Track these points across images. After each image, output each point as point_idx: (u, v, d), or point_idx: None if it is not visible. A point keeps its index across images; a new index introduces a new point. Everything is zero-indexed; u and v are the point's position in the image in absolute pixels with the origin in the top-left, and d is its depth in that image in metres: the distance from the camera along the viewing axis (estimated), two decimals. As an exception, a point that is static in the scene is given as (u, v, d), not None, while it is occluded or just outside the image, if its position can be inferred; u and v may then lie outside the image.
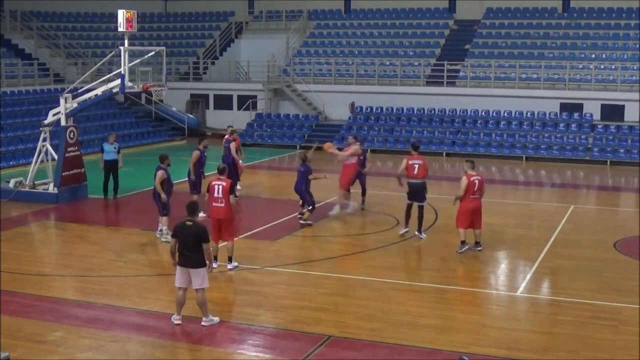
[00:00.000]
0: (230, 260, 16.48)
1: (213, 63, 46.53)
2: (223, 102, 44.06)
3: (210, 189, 16.32)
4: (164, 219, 18.74)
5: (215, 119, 43.51)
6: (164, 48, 24.91)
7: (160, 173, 18.45)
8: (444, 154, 37.55)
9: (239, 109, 43.00)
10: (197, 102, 44.43)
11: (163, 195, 18.40)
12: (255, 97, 43.19)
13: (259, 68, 44.16)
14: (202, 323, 13.04)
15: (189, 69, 45.64)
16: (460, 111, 40.25)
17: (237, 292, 15.29)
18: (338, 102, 41.84)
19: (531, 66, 41.10)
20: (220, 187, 16.11)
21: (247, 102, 42.74)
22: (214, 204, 16.17)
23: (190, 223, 12.90)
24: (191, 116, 43.03)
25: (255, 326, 13.15)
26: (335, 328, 12.97)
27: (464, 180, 17.85)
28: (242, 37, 49.12)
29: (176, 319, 13.09)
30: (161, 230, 18.90)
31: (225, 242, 16.54)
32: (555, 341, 12.56)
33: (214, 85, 44.78)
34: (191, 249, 12.78)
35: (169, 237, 14.49)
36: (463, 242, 17.96)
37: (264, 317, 13.67)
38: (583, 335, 12.81)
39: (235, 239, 16.99)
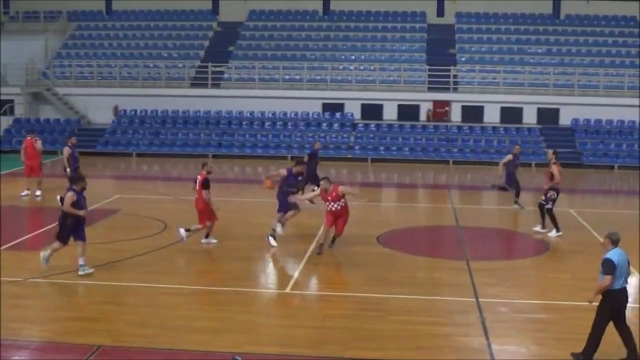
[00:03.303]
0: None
1: (-34, 66, 43.94)
2: (-23, 107, 41.71)
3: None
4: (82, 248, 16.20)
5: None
6: None
7: (69, 195, 15.86)
8: (211, 155, 37.54)
9: (-6, 114, 40.88)
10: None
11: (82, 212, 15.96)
12: (12, 101, 41.17)
13: (17, 71, 42.09)
14: None
15: (-62, 72, 42.83)
16: (225, 113, 40.42)
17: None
18: (101, 105, 40.80)
19: (294, 67, 41.96)
20: (197, 180, 18.34)
21: (3, 107, 40.66)
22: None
23: None
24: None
25: (20, 341, 12.47)
26: (107, 337, 12.54)
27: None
28: (-3, 38, 46.74)
29: None
30: (82, 265, 16.12)
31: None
32: (327, 335, 12.82)
33: (-34, 89, 42.23)
34: None
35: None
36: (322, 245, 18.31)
37: (29, 331, 12.97)
38: (353, 327, 13.16)
39: (207, 223, 18.59)
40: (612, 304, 11.58)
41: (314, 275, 16.99)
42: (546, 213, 21.07)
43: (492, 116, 40.11)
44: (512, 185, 25.05)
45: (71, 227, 15.89)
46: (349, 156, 37.58)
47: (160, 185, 28.87)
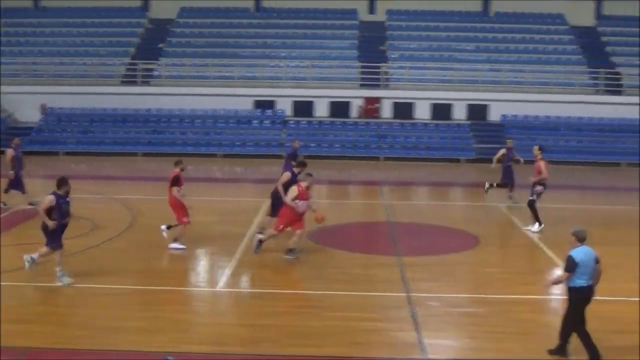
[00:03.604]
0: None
1: None
2: None
3: None
4: (45, 250, 15.49)
5: None
6: None
7: (49, 198, 15.07)
8: (141, 153, 37.12)
9: None
10: None
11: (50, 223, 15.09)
12: None
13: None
14: None
15: None
16: (155, 110, 40.01)
17: None
18: (28, 103, 39.94)
19: (225, 65, 41.72)
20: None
21: None
22: None
23: None
24: None
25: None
26: (36, 339, 12.25)
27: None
28: None
29: None
30: (32, 258, 15.48)
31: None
32: (261, 333, 12.73)
33: None
34: None
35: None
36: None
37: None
38: (288, 324, 13.11)
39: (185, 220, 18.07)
40: (578, 300, 11.58)
41: (248, 273, 16.88)
42: (528, 206, 21.27)
43: (422, 112, 40.47)
44: (507, 179, 25.14)
45: (59, 231, 15.17)
46: (281, 153, 37.50)
47: (90, 184, 28.35)
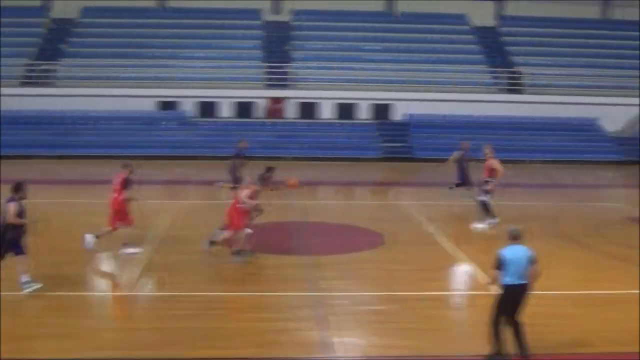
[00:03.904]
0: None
1: None
2: None
3: None
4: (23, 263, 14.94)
5: None
6: None
7: (12, 205, 14.48)
8: (42, 156, 36.36)
9: None
10: None
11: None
12: None
13: None
14: None
15: None
16: (57, 112, 39.21)
17: None
18: None
19: (129, 65, 41.19)
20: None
21: None
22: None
23: None
24: None
25: None
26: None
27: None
28: None
29: None
30: (28, 282, 14.94)
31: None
32: (169, 336, 12.62)
33: None
34: None
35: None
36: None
37: None
38: (196, 326, 13.04)
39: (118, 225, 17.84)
40: (505, 298, 11.58)
41: (156, 276, 16.71)
42: (480, 204, 21.69)
43: (328, 112, 40.72)
44: (464, 180, 25.23)
45: (10, 241, 14.57)
46: (185, 154, 37.24)
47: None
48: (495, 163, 21.54)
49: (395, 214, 24.13)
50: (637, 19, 46.13)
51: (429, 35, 44.97)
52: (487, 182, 21.64)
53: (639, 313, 13.74)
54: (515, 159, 38.00)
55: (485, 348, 11.79)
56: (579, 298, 15.16)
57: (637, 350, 12.19)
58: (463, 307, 15.50)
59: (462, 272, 17.73)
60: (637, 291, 15.42)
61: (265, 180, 18.25)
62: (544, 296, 15.08)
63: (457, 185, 25.62)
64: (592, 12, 47.41)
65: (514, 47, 45.10)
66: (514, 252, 11.52)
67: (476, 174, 23.72)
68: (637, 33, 45.74)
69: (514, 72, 42.74)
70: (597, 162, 38.62)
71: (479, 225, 21.81)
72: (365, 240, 20.46)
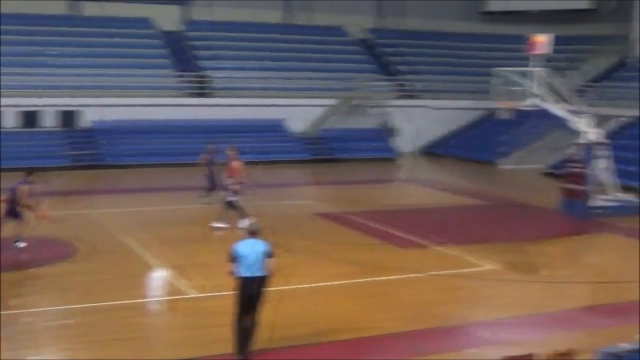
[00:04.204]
0: None
1: None
2: None
3: None
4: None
5: None
6: None
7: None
8: None
9: None
10: None
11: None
12: None
13: None
14: None
15: None
16: None
17: None
18: None
19: None
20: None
21: None
22: None
23: None
24: None
25: None
26: None
27: None
28: None
29: None
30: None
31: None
32: None
33: None
34: None
35: None
36: None
37: None
38: None
39: None
40: (241, 291, 11.72)
41: None
42: (229, 205, 22.04)
43: (9, 121, 38.43)
44: (209, 182, 25.76)
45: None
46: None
47: None
48: (237, 165, 22.40)
49: (86, 223, 23.18)
50: (317, 23, 48.61)
51: (116, 40, 43.83)
52: (233, 183, 22.24)
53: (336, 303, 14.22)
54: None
55: (187, 350, 11.66)
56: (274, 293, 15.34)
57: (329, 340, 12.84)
58: (165, 312, 15.25)
59: (161, 277, 17.44)
60: (330, 283, 16.10)
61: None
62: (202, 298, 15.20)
63: (209, 190, 25.96)
64: (275, 17, 48.83)
65: (201, 51, 45.30)
66: (248, 246, 11.81)
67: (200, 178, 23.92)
68: (318, 37, 48.10)
69: (202, 76, 42.89)
70: (286, 162, 39.72)
71: (218, 225, 22.16)
72: (56, 252, 19.33)
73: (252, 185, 23.14)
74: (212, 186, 25.88)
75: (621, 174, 29.85)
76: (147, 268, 17.98)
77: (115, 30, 44.42)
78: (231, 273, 11.84)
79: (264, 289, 11.87)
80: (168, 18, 46.45)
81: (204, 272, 17.32)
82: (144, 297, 16.12)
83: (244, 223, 21.91)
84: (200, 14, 47.07)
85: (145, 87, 40.86)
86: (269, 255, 11.87)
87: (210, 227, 22.23)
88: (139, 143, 38.47)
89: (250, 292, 11.75)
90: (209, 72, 43.47)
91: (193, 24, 47.03)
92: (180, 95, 41.78)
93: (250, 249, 11.81)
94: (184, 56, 44.83)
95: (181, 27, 47.07)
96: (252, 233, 12.03)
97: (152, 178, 34.12)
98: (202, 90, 42.42)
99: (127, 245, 20.13)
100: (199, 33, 46.48)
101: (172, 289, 16.43)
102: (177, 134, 39.79)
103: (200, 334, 13.09)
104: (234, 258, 11.74)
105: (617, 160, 30.43)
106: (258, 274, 11.72)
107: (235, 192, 22.25)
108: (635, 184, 30.56)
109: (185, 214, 25.33)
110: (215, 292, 15.21)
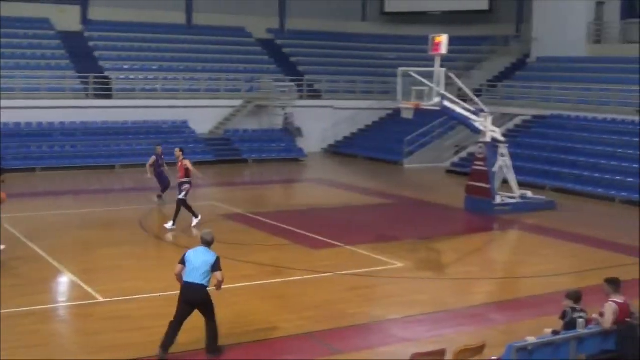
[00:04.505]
0: None
1: None
2: None
3: None
4: None
5: None
6: None
7: None
8: None
9: None
10: None
11: None
12: None
13: None
14: None
15: None
16: None
17: None
18: None
19: None
20: None
21: None
22: None
23: None
24: None
25: None
26: None
27: None
28: None
29: None
30: None
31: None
32: None
33: None
34: None
35: None
36: None
37: None
38: None
39: None
40: (181, 295, 11.88)
41: None
42: (181, 205, 22.55)
43: None
44: (160, 182, 26.17)
45: None
46: None
47: None
48: (186, 164, 22.76)
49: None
50: (218, 24, 48.38)
51: (14, 40, 42.54)
52: (183, 183, 22.70)
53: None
54: (110, 164, 37.51)
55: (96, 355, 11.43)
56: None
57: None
58: (68, 318, 14.87)
59: (65, 282, 17.03)
60: (239, 285, 15.97)
61: None
62: (150, 298, 15.09)
63: (163, 191, 26.39)
64: (177, 18, 48.29)
65: (102, 52, 44.40)
66: (197, 254, 11.89)
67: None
68: (221, 38, 47.98)
69: (103, 77, 42.02)
70: (192, 163, 39.17)
71: (193, 223, 22.73)
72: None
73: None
74: (165, 187, 26.41)
75: (523, 171, 30.71)
76: (52, 273, 17.51)
77: (13, 30, 43.15)
78: (177, 277, 12.00)
79: (205, 298, 11.90)
80: (67, 19, 45.41)
81: (113, 276, 17.07)
82: (50, 302, 15.67)
83: (195, 222, 22.56)
84: (100, 14, 46.21)
85: (45, 89, 39.79)
86: (213, 267, 11.87)
87: (165, 227, 22.57)
88: (39, 146, 37.45)
89: (187, 299, 11.83)
90: (110, 73, 42.63)
91: (93, 25, 46.11)
92: (82, 97, 40.83)
93: (197, 257, 11.89)
94: (84, 57, 43.84)
95: (80, 28, 46.06)
96: (205, 243, 12.09)
97: (55, 181, 33.32)
98: (103, 92, 41.55)
99: (34, 250, 19.55)
100: (99, 34, 45.64)
101: (79, 294, 16.01)
102: (79, 136, 38.97)
103: (105, 339, 12.86)
104: (182, 262, 11.91)
105: (519, 158, 31.30)
106: (197, 281, 11.75)
107: (185, 191, 22.68)
108: (538, 181, 31.32)
109: (96, 217, 24.81)
110: (121, 297, 15.03)
